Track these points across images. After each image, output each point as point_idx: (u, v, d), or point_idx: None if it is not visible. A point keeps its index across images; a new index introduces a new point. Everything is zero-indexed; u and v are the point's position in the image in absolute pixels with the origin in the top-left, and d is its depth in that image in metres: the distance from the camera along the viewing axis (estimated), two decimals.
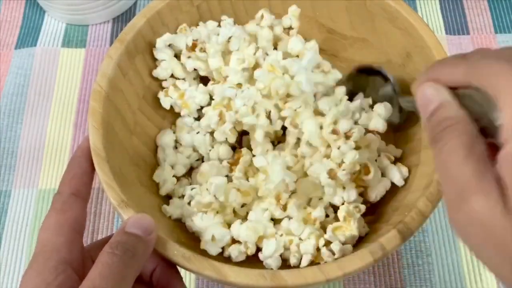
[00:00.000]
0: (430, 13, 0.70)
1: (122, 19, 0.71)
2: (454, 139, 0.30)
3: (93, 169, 0.42)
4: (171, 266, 0.41)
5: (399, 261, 0.55)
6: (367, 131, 0.49)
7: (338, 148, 0.45)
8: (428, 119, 0.33)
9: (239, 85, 0.49)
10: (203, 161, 0.52)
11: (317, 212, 0.46)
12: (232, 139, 0.49)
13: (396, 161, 0.49)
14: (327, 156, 0.46)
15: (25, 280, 0.35)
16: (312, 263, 0.44)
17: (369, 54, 0.53)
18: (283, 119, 0.47)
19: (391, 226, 0.41)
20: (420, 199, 0.41)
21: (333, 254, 0.43)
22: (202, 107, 0.51)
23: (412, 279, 0.54)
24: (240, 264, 0.44)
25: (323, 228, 0.46)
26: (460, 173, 0.29)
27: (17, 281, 0.55)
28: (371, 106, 0.50)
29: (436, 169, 0.32)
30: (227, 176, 0.48)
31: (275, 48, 0.53)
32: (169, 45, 0.51)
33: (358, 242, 0.45)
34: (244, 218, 0.47)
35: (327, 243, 0.44)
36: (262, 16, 0.53)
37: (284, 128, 0.49)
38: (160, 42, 0.50)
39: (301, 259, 0.45)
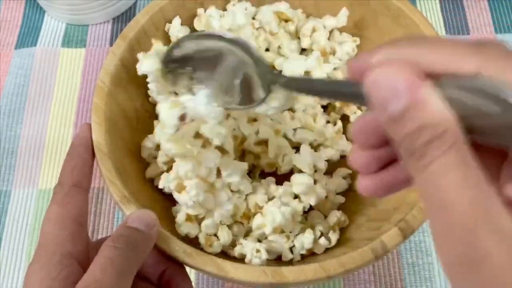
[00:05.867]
0: (430, 13, 0.70)
1: (122, 19, 0.71)
2: (444, 157, 0.22)
3: (93, 158, 0.42)
4: (180, 269, 0.41)
5: (399, 261, 0.55)
6: None
7: None
8: (397, 121, 0.23)
9: None
10: None
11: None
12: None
13: None
14: None
15: (29, 274, 0.35)
16: (303, 255, 0.46)
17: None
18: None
19: (392, 224, 0.41)
20: None
21: (330, 242, 0.45)
22: None
23: (412, 279, 0.54)
24: (241, 261, 0.44)
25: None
26: (457, 211, 0.22)
27: (17, 281, 0.54)
28: None
29: (421, 194, 0.23)
30: None
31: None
32: None
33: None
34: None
35: (322, 234, 0.46)
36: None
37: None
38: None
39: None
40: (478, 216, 0.21)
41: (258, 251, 0.44)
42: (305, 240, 0.45)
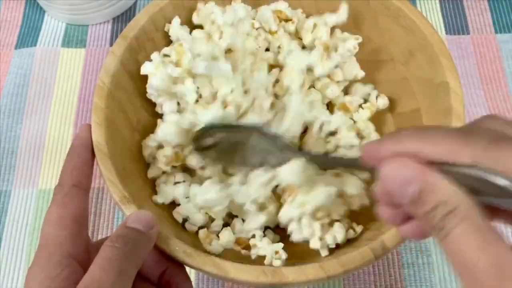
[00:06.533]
0: (430, 13, 0.70)
1: (122, 19, 0.71)
2: (459, 227, 0.26)
3: (93, 158, 0.42)
4: (180, 269, 0.41)
5: (399, 261, 0.55)
6: None
7: None
8: (415, 203, 0.28)
9: None
10: None
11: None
12: None
13: None
14: None
15: (29, 276, 0.35)
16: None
17: (371, 53, 0.53)
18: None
19: None
20: None
21: (356, 232, 0.46)
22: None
23: (412, 279, 0.54)
24: (241, 261, 0.44)
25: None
26: (481, 269, 0.24)
27: (17, 281, 0.55)
28: None
29: (448, 259, 0.27)
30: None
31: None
32: None
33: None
34: None
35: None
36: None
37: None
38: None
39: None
40: (500, 273, 0.24)
41: (277, 252, 0.44)
42: (337, 234, 0.44)
